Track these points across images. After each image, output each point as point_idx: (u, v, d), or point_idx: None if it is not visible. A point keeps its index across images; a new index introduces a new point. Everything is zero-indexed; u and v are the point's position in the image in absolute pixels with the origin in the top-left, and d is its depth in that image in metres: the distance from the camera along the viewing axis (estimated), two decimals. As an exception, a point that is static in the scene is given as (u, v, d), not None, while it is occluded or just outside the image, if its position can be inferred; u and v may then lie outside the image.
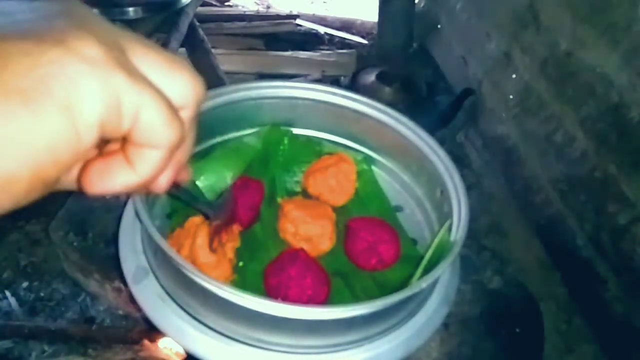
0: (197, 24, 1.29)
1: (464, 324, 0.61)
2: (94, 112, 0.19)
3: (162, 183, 0.24)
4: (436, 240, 0.47)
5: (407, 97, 0.95)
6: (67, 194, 0.75)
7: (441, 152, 0.52)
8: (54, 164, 0.19)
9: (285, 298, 0.44)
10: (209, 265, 0.45)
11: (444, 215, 0.49)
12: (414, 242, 0.53)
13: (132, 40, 0.21)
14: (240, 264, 0.49)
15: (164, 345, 0.60)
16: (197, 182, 0.52)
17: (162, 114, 0.21)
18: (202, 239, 0.45)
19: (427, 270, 0.48)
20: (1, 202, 0.19)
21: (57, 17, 0.20)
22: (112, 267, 0.63)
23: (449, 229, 0.46)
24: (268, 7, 1.57)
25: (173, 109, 0.22)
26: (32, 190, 0.19)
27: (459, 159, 0.96)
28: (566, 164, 0.75)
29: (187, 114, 0.23)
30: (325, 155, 0.59)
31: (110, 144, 0.23)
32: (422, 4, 1.28)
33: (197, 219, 0.48)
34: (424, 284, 0.40)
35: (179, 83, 0.23)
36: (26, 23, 0.19)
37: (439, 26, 1.18)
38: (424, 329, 0.44)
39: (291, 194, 0.57)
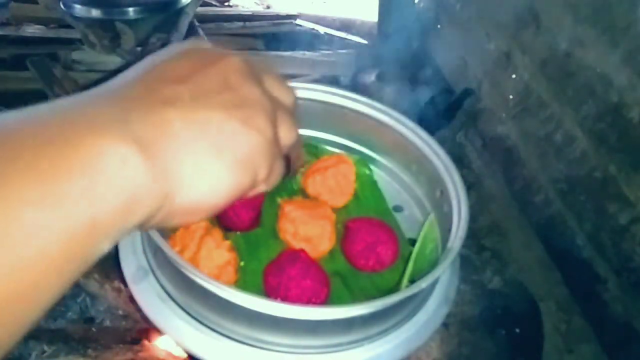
0: (197, 24, 1.29)
1: (464, 324, 0.61)
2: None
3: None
4: (422, 235, 0.47)
5: (407, 97, 0.95)
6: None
7: (441, 152, 0.52)
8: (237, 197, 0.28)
9: (285, 298, 0.44)
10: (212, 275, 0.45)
11: (444, 215, 0.50)
12: (414, 242, 0.53)
13: (266, 75, 0.32)
14: (241, 264, 0.49)
15: (163, 345, 0.60)
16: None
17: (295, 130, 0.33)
18: (206, 250, 0.45)
19: (419, 266, 0.48)
20: (192, 219, 0.28)
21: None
22: (112, 267, 0.63)
23: (433, 222, 0.47)
24: (268, 7, 1.57)
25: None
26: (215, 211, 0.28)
27: (459, 159, 0.96)
28: (566, 164, 0.75)
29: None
30: (325, 156, 0.59)
31: None
32: (422, 4, 1.28)
33: (202, 222, 0.48)
34: (424, 284, 0.40)
35: (290, 95, 0.33)
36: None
37: (439, 26, 1.18)
38: (424, 329, 0.44)
39: (291, 194, 0.57)
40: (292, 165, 0.41)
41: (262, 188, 0.31)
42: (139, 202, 0.23)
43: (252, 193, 0.30)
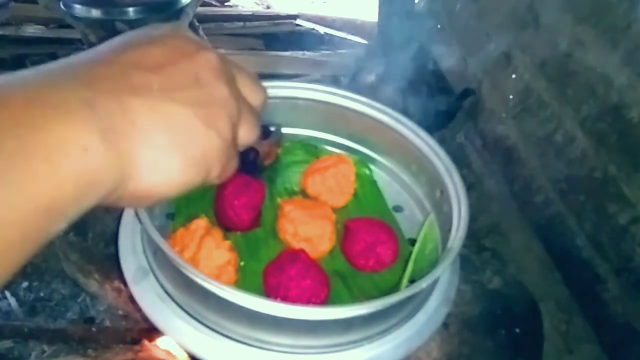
0: (197, 24, 1.29)
1: (464, 324, 0.61)
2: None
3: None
4: (422, 235, 0.47)
5: (407, 97, 0.95)
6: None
7: (441, 152, 0.52)
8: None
9: (285, 298, 0.44)
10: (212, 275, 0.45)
11: (444, 215, 0.50)
12: (413, 242, 0.53)
13: (239, 74, 0.33)
14: (241, 264, 0.49)
15: (163, 345, 0.60)
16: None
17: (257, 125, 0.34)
18: (206, 250, 0.45)
19: (419, 266, 0.48)
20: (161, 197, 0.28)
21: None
22: (112, 267, 0.63)
23: (433, 221, 0.47)
24: (268, 7, 1.57)
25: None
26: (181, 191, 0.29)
27: (459, 159, 0.96)
28: (566, 164, 0.75)
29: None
30: (325, 156, 0.59)
31: None
32: (422, 4, 1.27)
33: (202, 222, 0.48)
34: (424, 284, 0.40)
35: (259, 95, 0.34)
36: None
37: (439, 26, 1.18)
38: (424, 329, 0.44)
39: (291, 194, 0.57)
40: (262, 159, 0.42)
41: (213, 182, 0.32)
42: (95, 187, 0.24)
43: (202, 186, 0.31)
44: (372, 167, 0.60)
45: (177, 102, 0.27)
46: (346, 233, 0.52)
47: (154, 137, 0.26)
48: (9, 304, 0.70)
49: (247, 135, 0.32)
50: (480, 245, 0.77)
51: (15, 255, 0.22)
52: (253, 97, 0.34)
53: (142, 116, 0.26)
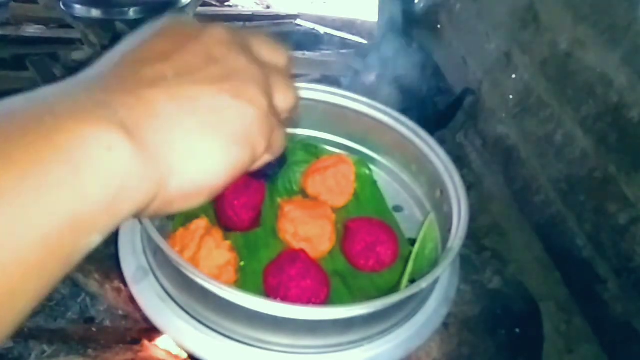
0: (197, 24, 1.29)
1: (464, 324, 0.61)
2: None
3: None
4: (421, 234, 0.47)
5: (407, 97, 0.95)
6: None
7: (441, 152, 0.52)
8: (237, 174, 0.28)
9: (285, 298, 0.44)
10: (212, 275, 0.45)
11: (444, 215, 0.50)
12: (413, 242, 0.53)
13: (253, 39, 0.30)
14: (241, 264, 0.49)
15: (163, 345, 0.60)
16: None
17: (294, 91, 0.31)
18: (206, 250, 0.45)
19: (419, 266, 0.48)
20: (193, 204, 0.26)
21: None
22: (112, 267, 0.63)
23: (433, 221, 0.47)
24: (268, 7, 1.57)
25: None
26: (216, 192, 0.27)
27: (459, 159, 0.96)
28: (566, 164, 0.75)
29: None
30: (325, 156, 0.59)
31: None
32: (422, 4, 1.27)
33: (202, 222, 0.48)
34: (424, 284, 0.40)
35: (281, 55, 0.31)
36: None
37: (439, 26, 1.18)
38: (424, 329, 0.44)
39: (291, 194, 0.57)
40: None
41: (266, 158, 0.30)
42: (129, 191, 0.21)
43: (256, 165, 0.29)
44: (372, 167, 0.60)
45: (197, 83, 0.25)
46: (346, 233, 0.52)
47: (183, 125, 0.24)
48: (9, 304, 0.70)
49: (285, 99, 0.30)
50: (480, 245, 0.77)
51: (37, 278, 0.19)
52: (275, 58, 0.31)
53: (165, 106, 0.24)
